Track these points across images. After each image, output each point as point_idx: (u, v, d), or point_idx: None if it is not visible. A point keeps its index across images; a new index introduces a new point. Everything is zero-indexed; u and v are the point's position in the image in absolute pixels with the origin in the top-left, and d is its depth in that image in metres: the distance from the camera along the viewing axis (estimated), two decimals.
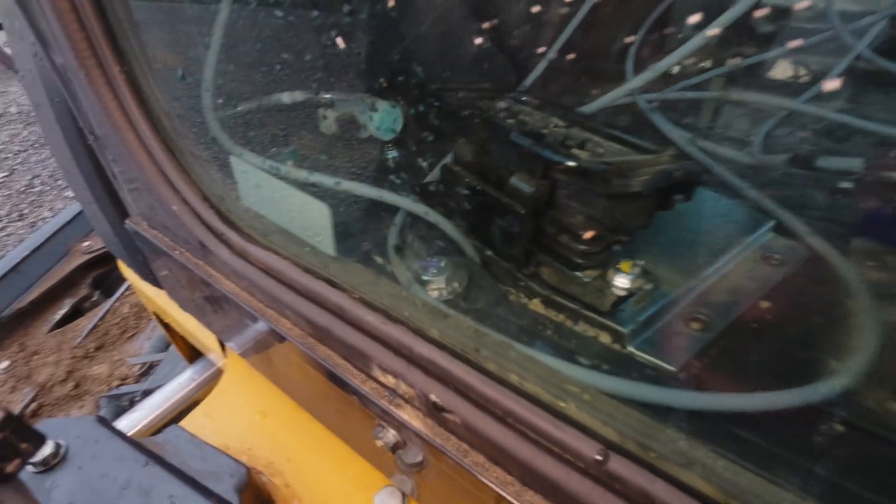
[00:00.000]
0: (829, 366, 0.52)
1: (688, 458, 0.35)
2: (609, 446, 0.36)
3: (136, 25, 0.58)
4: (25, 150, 4.76)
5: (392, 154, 1.00)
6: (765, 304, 0.64)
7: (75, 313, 2.91)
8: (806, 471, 0.43)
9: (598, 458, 0.36)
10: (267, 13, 0.81)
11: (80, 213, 3.16)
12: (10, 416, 0.25)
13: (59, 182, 4.33)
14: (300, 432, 0.83)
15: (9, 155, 4.69)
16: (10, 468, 0.26)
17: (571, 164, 0.49)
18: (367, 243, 0.75)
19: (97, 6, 0.57)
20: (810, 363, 0.54)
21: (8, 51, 5.59)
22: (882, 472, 0.44)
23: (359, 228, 0.78)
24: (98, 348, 2.75)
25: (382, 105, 0.94)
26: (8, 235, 3.73)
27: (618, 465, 0.36)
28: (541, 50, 1.00)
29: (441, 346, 0.44)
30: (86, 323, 2.81)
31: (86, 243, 3.17)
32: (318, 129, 1.00)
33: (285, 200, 0.59)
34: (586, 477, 0.37)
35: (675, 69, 1.30)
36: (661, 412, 0.45)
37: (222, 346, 1.05)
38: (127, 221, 0.81)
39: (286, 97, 0.89)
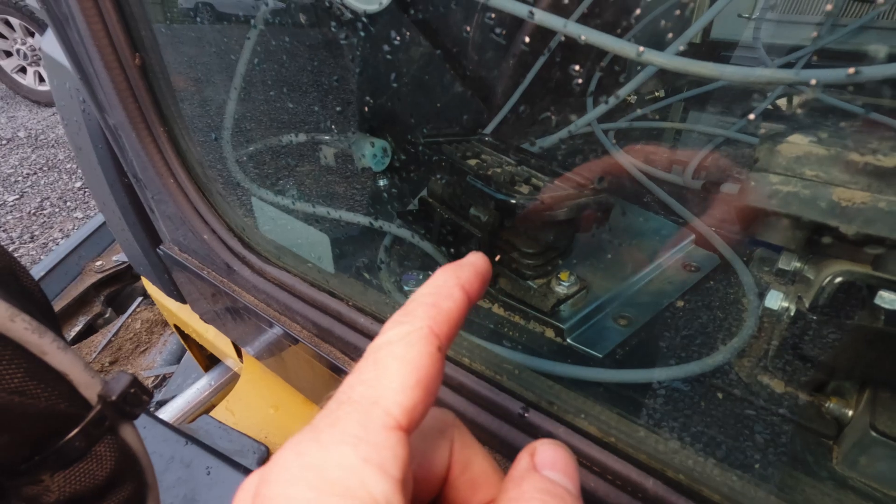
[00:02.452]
0: (717, 347, 0.68)
1: (580, 410, 0.50)
2: (528, 404, 0.52)
3: (175, 97, 0.75)
4: (35, 174, 4.91)
5: (383, 182, 1.17)
6: (679, 303, 0.80)
7: (89, 330, 3.05)
8: (679, 424, 0.59)
9: (521, 412, 0.51)
10: (275, 71, 0.98)
11: (92, 233, 3.31)
12: (135, 377, 0.40)
13: (69, 204, 4.49)
14: (307, 420, 0.98)
15: (19, 178, 4.84)
16: (140, 411, 0.41)
17: (513, 201, 0.65)
18: (362, 259, 0.91)
19: (146, 82, 0.73)
20: (705, 346, 0.70)
21: (16, 77, 5.79)
22: (742, 426, 0.60)
23: (353, 248, 0.94)
24: (112, 363, 2.89)
25: (372, 141, 1.11)
26: (21, 256, 3.88)
27: (534, 416, 0.51)
28: (510, 92, 1.17)
29: None
30: (100, 339, 2.95)
31: (98, 262, 3.32)
32: (319, 162, 1.16)
33: (293, 230, 0.75)
34: (513, 426, 0.52)
35: (633, 98, 1.47)
36: (576, 384, 0.61)
37: (238, 352, 1.21)
38: (160, 247, 0.97)
39: (291, 138, 1.05)
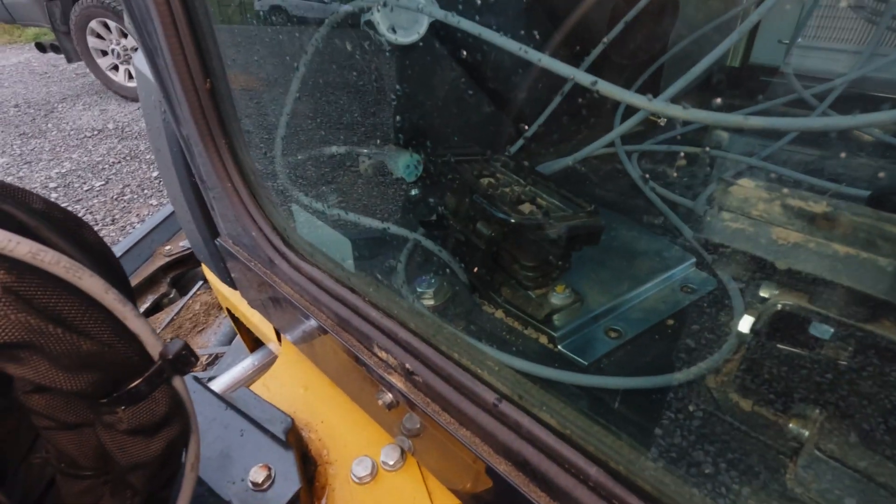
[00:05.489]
0: (693, 363, 0.74)
1: (542, 403, 0.58)
2: (502, 396, 0.61)
3: (237, 115, 0.89)
4: (119, 162, 5.39)
5: (414, 191, 1.28)
6: (670, 322, 0.85)
7: (155, 308, 3.36)
8: (641, 426, 0.65)
9: (495, 402, 0.60)
10: (322, 92, 1.11)
11: (163, 221, 3.63)
12: (186, 343, 0.53)
13: (146, 192, 4.91)
14: (331, 401, 1.10)
15: (105, 166, 5.34)
16: (189, 369, 0.53)
17: (511, 220, 0.74)
18: (383, 261, 1.02)
19: (214, 102, 0.88)
20: (684, 362, 0.75)
21: (109, 74, 6.38)
22: (706, 437, 0.65)
23: (379, 249, 1.06)
24: (173, 339, 3.16)
25: (406, 154, 1.22)
26: (103, 238, 4.29)
27: (505, 407, 0.60)
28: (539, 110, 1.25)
29: (414, 332, 0.70)
30: (164, 317, 3.25)
31: (167, 247, 3.64)
32: (358, 170, 1.29)
33: (324, 233, 0.87)
34: (488, 413, 0.61)
35: (662, 121, 1.51)
36: (550, 383, 0.69)
37: (278, 336, 1.35)
38: (218, 240, 1.13)
39: (333, 149, 1.18)
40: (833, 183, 1.12)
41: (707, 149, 1.34)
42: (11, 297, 0.37)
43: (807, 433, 0.62)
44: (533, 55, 0.61)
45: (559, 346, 0.82)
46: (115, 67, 6.37)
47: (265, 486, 0.79)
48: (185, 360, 0.52)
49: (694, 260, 0.94)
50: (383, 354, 0.75)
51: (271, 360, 1.56)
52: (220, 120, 0.89)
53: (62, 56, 6.54)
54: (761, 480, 0.61)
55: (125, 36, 6.14)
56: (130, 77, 6.37)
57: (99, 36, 6.13)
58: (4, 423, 0.63)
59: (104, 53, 6.27)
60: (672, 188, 1.14)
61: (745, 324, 0.66)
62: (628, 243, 1.00)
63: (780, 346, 0.60)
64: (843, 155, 1.24)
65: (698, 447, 0.65)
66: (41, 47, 6.73)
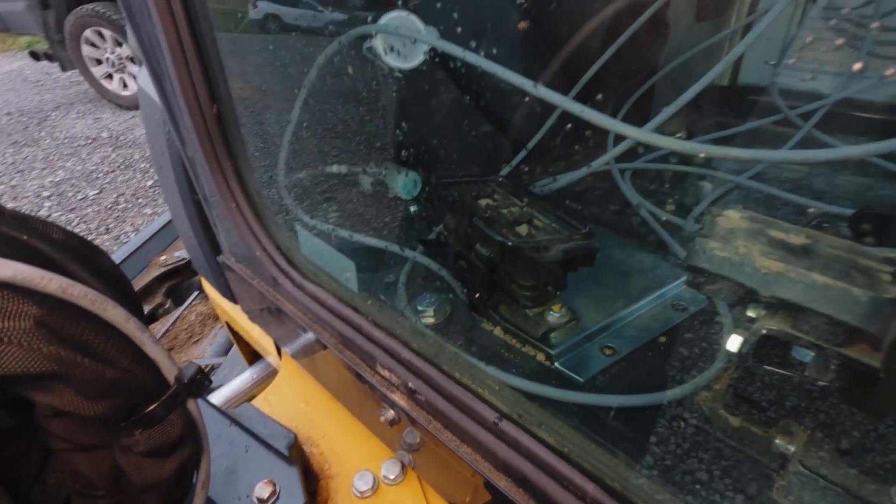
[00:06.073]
0: (685, 380, 0.77)
1: (541, 422, 0.61)
2: (502, 414, 0.63)
3: (241, 139, 0.92)
4: (113, 171, 5.38)
5: (413, 208, 1.31)
6: (662, 339, 0.88)
7: (150, 318, 3.35)
8: (635, 441, 0.68)
9: (495, 421, 0.63)
10: (321, 114, 1.14)
11: (158, 231, 3.64)
12: (200, 367, 0.55)
13: (140, 201, 4.90)
14: (332, 416, 1.12)
15: (99, 175, 5.32)
16: (203, 392, 0.56)
17: (509, 242, 0.77)
18: (384, 279, 1.05)
19: (220, 126, 0.90)
20: (674, 379, 0.78)
21: (103, 83, 6.37)
22: (696, 450, 0.68)
23: (379, 267, 1.08)
24: (168, 350, 3.15)
25: (405, 173, 1.25)
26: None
27: (505, 425, 0.62)
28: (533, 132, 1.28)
29: (416, 352, 0.72)
30: (159, 327, 3.24)
31: (162, 257, 3.64)
32: (359, 188, 1.32)
33: (328, 254, 0.89)
34: (488, 431, 0.64)
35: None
36: (548, 401, 0.72)
37: (278, 350, 1.37)
38: (220, 256, 1.15)
39: (335, 168, 1.21)
40: (817, 202, 1.17)
41: (702, 155, 1.38)
42: (43, 330, 0.40)
43: (792, 448, 0.65)
44: (547, 94, 0.64)
45: (556, 364, 0.84)
46: (110, 76, 6.37)
47: (270, 502, 0.81)
48: (199, 384, 0.55)
49: (685, 278, 0.98)
50: (386, 373, 0.77)
51: (270, 373, 1.58)
52: (226, 143, 0.92)
53: (56, 64, 6.53)
54: (749, 494, 0.64)
55: (120, 45, 6.15)
56: (125, 86, 6.37)
57: (93, 45, 6.13)
58: (16, 444, 0.65)
59: (98, 62, 6.27)
60: (663, 206, 1.18)
61: (734, 343, 0.69)
62: (621, 261, 1.03)
63: (766, 367, 0.63)
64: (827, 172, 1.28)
65: (690, 461, 0.68)
66: (35, 56, 6.72)
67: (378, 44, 0.94)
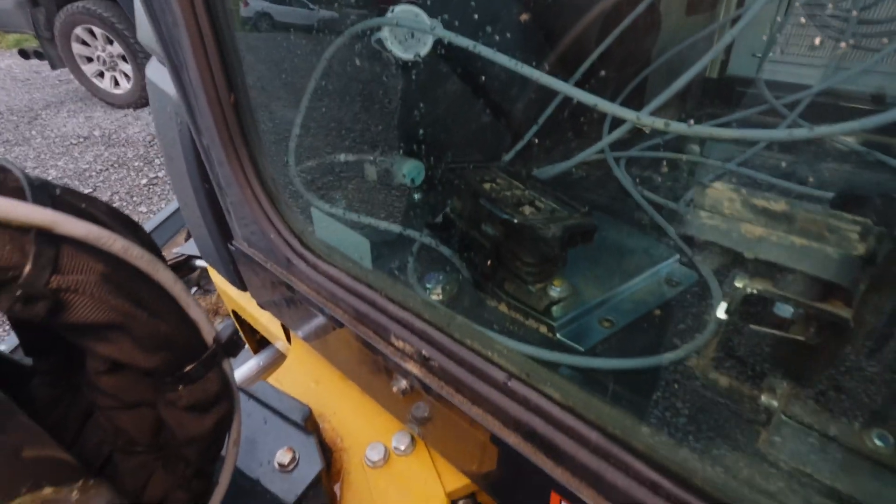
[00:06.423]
0: (678, 347, 0.83)
1: (547, 380, 0.66)
2: (511, 375, 0.68)
3: (256, 126, 0.96)
4: (106, 170, 5.36)
5: (417, 196, 1.36)
6: (657, 312, 0.94)
7: None
8: (633, 401, 0.74)
9: (505, 380, 0.68)
10: (328, 108, 1.18)
11: (156, 228, 3.65)
12: (236, 329, 0.59)
13: (135, 199, 4.89)
14: (342, 394, 1.17)
15: (92, 174, 5.30)
16: (237, 352, 0.60)
17: (514, 220, 0.82)
18: (395, 259, 1.10)
19: (236, 115, 0.95)
20: (669, 347, 0.84)
21: (94, 81, 6.34)
22: (689, 410, 0.74)
23: (388, 250, 1.13)
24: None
25: (410, 161, 1.30)
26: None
27: (514, 384, 0.68)
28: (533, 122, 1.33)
29: (429, 322, 0.77)
30: None
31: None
32: (364, 177, 1.37)
33: (343, 234, 0.94)
34: (499, 391, 0.69)
35: (648, 130, 1.61)
36: (551, 365, 0.77)
37: (287, 335, 1.42)
38: (233, 242, 1.19)
39: (342, 157, 1.26)
40: (801, 186, 1.23)
41: (696, 148, 1.44)
42: (109, 284, 0.44)
43: (776, 403, 0.71)
44: (557, 84, 0.69)
45: (558, 335, 0.90)
46: (101, 74, 6.34)
47: (290, 468, 0.86)
48: (234, 344, 0.59)
49: (678, 256, 1.04)
50: (400, 343, 0.82)
51: (277, 358, 1.62)
52: (242, 131, 0.96)
53: (45, 62, 6.48)
54: (737, 443, 0.70)
55: (111, 42, 6.12)
56: (116, 84, 6.34)
57: (84, 42, 6.10)
58: (55, 414, 0.69)
59: (89, 60, 6.24)
60: (657, 191, 1.24)
61: (722, 310, 0.75)
62: (618, 242, 1.09)
63: (752, 326, 0.68)
64: (811, 160, 1.35)
65: (682, 416, 0.73)
66: (24, 54, 6.67)
67: (386, 36, 0.98)
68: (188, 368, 0.56)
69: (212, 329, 0.58)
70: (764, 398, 0.73)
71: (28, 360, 0.66)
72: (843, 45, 1.49)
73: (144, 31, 1.36)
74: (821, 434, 0.62)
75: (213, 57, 0.88)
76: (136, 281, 0.48)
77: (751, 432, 0.71)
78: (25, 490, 0.42)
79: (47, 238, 0.40)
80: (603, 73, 1.23)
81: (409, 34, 0.99)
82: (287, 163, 1.12)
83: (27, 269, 0.39)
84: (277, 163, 1.12)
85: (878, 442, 0.59)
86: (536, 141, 1.36)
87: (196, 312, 0.55)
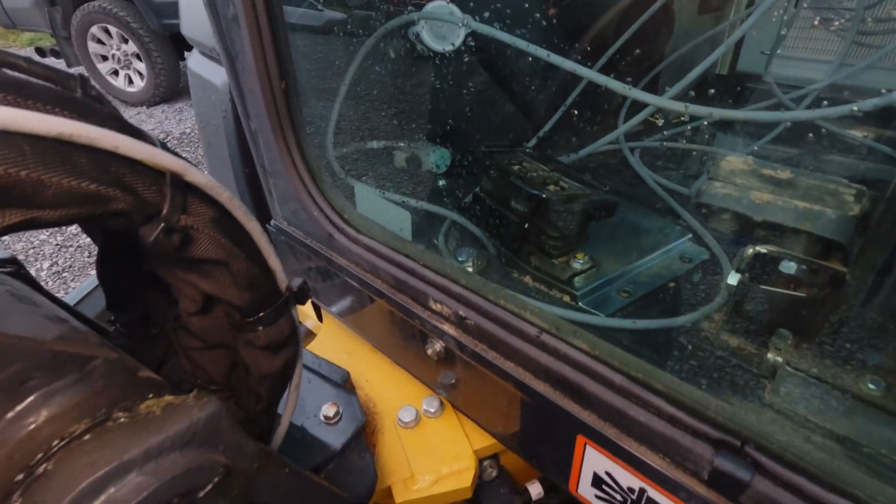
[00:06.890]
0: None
1: (575, 332, 0.74)
2: (542, 329, 0.77)
3: (302, 112, 1.05)
4: None
5: (442, 182, 1.44)
6: (671, 284, 1.02)
7: None
8: (653, 359, 0.81)
9: (536, 334, 0.76)
10: (364, 98, 1.27)
11: None
12: (305, 279, 0.68)
13: None
14: (373, 365, 1.25)
15: None
16: (306, 300, 0.69)
17: (543, 195, 0.90)
18: (425, 238, 1.18)
19: (286, 101, 1.03)
20: (683, 311, 0.92)
21: (109, 79, 6.44)
22: (700, 366, 0.82)
23: (420, 228, 1.22)
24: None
25: (438, 150, 1.39)
26: None
27: (546, 337, 0.76)
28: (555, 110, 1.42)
29: (465, 286, 0.85)
30: None
31: None
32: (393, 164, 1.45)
33: (384, 209, 1.02)
34: (531, 343, 0.77)
35: (660, 121, 1.69)
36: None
37: (318, 314, 1.50)
38: (272, 222, 1.28)
39: (374, 144, 1.35)
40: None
41: (704, 133, 1.51)
42: (218, 227, 0.53)
43: (780, 359, 0.79)
44: (591, 74, 0.77)
45: (580, 303, 0.98)
46: (115, 72, 6.46)
47: (335, 420, 0.94)
48: (304, 292, 0.68)
49: (690, 235, 1.12)
50: (438, 307, 0.90)
51: (307, 336, 1.70)
52: (290, 116, 1.05)
53: (62, 61, 6.61)
54: (738, 385, 0.78)
55: (126, 41, 6.24)
56: (130, 82, 6.46)
57: (100, 41, 6.22)
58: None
59: (104, 58, 6.36)
60: (669, 179, 1.32)
61: (734, 278, 0.83)
62: (635, 223, 1.17)
63: (761, 286, 0.76)
64: (817, 151, 1.42)
65: (696, 371, 0.81)
66: (41, 52, 6.79)
67: (422, 29, 1.07)
68: (266, 312, 0.64)
69: (285, 278, 0.66)
70: (770, 355, 0.80)
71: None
72: (850, 41, 1.56)
73: (189, 25, 1.45)
74: (820, 381, 0.70)
75: (269, 48, 0.97)
76: (235, 227, 0.56)
77: (758, 385, 0.79)
78: (151, 395, 0.50)
79: (178, 183, 0.48)
80: (622, 65, 1.31)
81: (443, 27, 1.07)
82: (334, 145, 1.21)
83: (166, 208, 0.47)
84: (318, 146, 1.20)
85: (871, 386, 0.66)
86: (555, 131, 1.44)
87: (274, 262, 0.63)
